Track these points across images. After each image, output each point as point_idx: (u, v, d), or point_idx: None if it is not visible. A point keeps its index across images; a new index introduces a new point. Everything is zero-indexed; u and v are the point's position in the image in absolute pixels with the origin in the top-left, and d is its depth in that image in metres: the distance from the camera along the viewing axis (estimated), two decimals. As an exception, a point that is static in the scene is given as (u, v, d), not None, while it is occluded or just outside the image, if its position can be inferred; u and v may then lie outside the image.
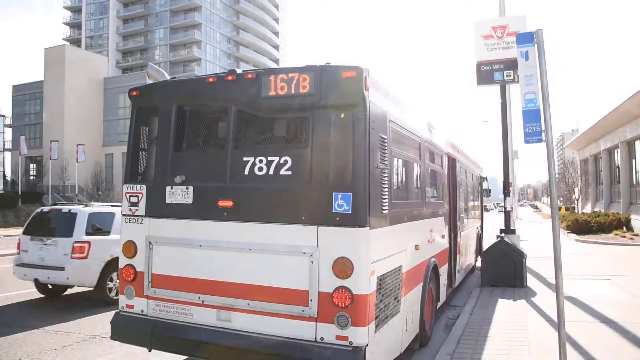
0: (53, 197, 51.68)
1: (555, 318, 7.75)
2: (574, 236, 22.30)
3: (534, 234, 26.99)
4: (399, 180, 6.17)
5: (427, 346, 6.95)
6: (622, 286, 10.57)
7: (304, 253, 4.72)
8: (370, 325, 4.65)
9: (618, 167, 28.54)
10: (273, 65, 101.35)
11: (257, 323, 4.91)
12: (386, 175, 5.13)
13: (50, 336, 7.56)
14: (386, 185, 5.12)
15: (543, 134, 4.51)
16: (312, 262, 4.69)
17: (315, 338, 4.64)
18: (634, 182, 26.38)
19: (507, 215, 13.09)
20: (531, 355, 6.08)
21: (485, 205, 53.19)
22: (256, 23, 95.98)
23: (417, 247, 6.52)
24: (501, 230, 12.73)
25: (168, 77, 6.10)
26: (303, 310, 4.69)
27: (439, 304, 8.18)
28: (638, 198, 25.45)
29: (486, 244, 13.04)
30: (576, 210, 38.97)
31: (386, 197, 5.12)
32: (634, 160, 26.34)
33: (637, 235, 21.71)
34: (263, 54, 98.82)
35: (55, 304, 9.90)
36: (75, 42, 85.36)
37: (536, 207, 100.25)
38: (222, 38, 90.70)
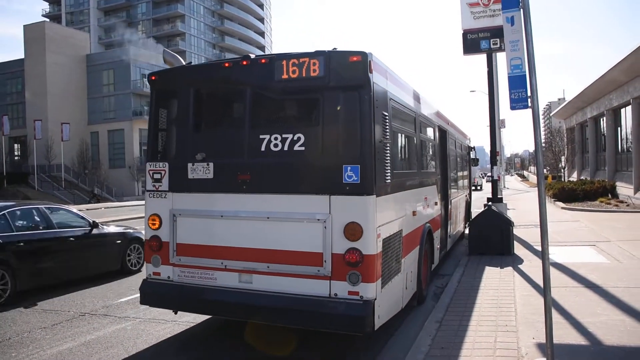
0: (39, 177, 51.17)
1: (541, 284, 7.89)
2: (561, 204, 22.53)
3: (521, 203, 27.26)
4: (398, 152, 6.70)
5: (424, 304, 7.55)
6: (606, 252, 10.72)
7: (318, 219, 5.27)
8: (377, 282, 5.23)
9: (604, 135, 28.70)
10: (259, 37, 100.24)
11: (276, 283, 5.45)
12: (388, 148, 5.69)
13: (39, 314, 7.54)
14: (388, 157, 5.67)
15: (529, 100, 4.49)
16: (325, 227, 5.24)
17: (330, 294, 5.20)
18: (619, 150, 26.58)
19: (495, 184, 13.16)
20: (518, 321, 6.16)
21: (475, 179, 53.22)
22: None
23: (414, 213, 7.14)
24: (489, 199, 12.82)
25: (183, 62, 6.51)
26: (318, 270, 5.26)
27: (433, 266, 8.84)
28: (623, 165, 25.67)
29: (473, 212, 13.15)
30: (563, 179, 39.29)
31: (388, 168, 5.69)
32: (619, 128, 26.49)
33: (621, 202, 21.98)
34: (248, 27, 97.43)
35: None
36: (55, 18, 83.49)
37: (523, 176, 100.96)
38: (206, 11, 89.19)
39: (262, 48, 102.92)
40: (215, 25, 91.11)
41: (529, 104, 4.51)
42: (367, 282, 5.09)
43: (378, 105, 5.39)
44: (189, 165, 5.91)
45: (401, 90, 6.68)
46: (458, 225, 12.91)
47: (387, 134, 5.69)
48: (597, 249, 11.10)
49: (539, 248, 11.25)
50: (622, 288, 7.54)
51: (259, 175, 5.59)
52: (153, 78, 6.38)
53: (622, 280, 8.05)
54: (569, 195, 23.72)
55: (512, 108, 4.64)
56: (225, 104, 6.31)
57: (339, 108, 5.26)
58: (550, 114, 60.52)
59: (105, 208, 39.06)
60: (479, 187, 50.04)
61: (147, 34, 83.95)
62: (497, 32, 11.56)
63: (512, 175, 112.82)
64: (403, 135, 6.89)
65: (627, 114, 24.22)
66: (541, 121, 4.82)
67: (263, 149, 5.55)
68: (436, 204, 9.14)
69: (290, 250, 5.40)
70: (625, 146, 25.50)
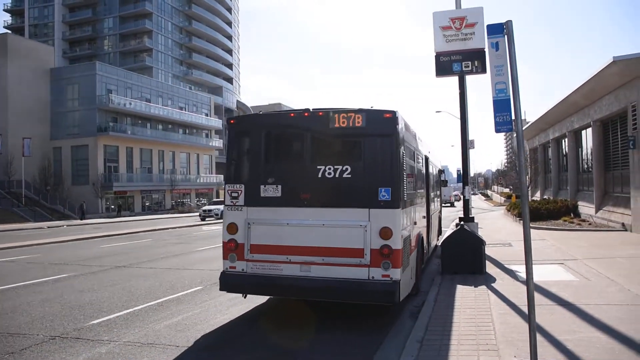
0: (-2, 193, 49.49)
1: (515, 302, 8.04)
2: (526, 223, 22.96)
3: (488, 221, 27.75)
4: (407, 177, 8.42)
5: (419, 294, 9.45)
6: (574, 270, 10.98)
7: (360, 225, 7.30)
8: (401, 269, 7.27)
9: (566, 155, 29.54)
10: (226, 55, 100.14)
11: (328, 271, 7.37)
12: (404, 175, 7.83)
13: (6, 339, 7.23)
14: (404, 182, 7.82)
15: (513, 123, 4.60)
16: (365, 230, 7.27)
17: (368, 277, 7.23)
18: (581, 170, 27.38)
19: (466, 203, 13.36)
20: (498, 340, 6.23)
21: (450, 197, 56.13)
22: (208, 13, 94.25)
23: (415, 223, 9.27)
24: (460, 219, 12.99)
25: (252, 111, 8.61)
26: (360, 261, 7.27)
27: (423, 266, 10.89)
28: (584, 185, 26.44)
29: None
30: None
31: (405, 189, 7.85)
32: (580, 149, 27.31)
33: (584, 220, 22.61)
34: (216, 44, 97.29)
35: (7, 303, 9.49)
36: (18, 30, 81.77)
37: (487, 196, 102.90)
38: (174, 28, 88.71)
39: (229, 65, 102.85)
40: (182, 42, 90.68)
41: (513, 127, 4.63)
42: (395, 268, 7.16)
43: (400, 147, 7.57)
44: (262, 186, 7.84)
45: (409, 133, 8.83)
46: (435, 236, 15.42)
47: (404, 165, 7.85)
48: (566, 267, 11.36)
49: (510, 267, 11.52)
50: (594, 305, 7.73)
51: (317, 195, 7.61)
52: (232, 122, 8.39)
53: (592, 298, 8.26)
54: (534, 214, 24.22)
55: (497, 131, 4.76)
56: (290, 143, 8.23)
57: (375, 149, 7.48)
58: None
59: (67, 226, 38.03)
60: (454, 205, 53.42)
61: (113, 49, 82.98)
62: (469, 55, 11.81)
63: (476, 194, 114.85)
64: (409, 165, 8.71)
65: (587, 135, 25.01)
66: (523, 142, 4.94)
67: (320, 176, 7.55)
68: (424, 217, 11.27)
69: (339, 247, 7.37)
70: (586, 166, 26.30)
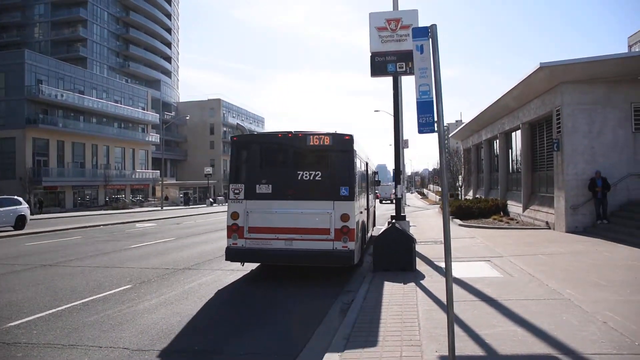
0: None
1: (442, 299, 8.26)
2: (458, 221, 23.76)
3: (421, 219, 28.45)
4: (357, 179, 11.40)
5: (362, 265, 12.47)
6: (499, 266, 11.44)
7: (328, 212, 10.41)
8: (354, 242, 10.46)
9: (497, 156, 30.70)
10: (165, 48, 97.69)
11: (305, 244, 10.46)
12: (357, 178, 11.10)
13: None
14: (356, 182, 10.98)
15: (436, 124, 4.72)
16: (331, 216, 10.39)
17: (333, 248, 10.37)
18: (510, 171, 28.56)
19: (398, 202, 13.63)
20: (421, 335, 6.39)
21: (391, 194, 61.01)
22: (146, 3, 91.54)
23: (361, 212, 12.16)
24: (392, 217, 13.24)
25: (247, 131, 12.86)
26: (327, 237, 10.36)
27: (365, 246, 13.94)
28: (513, 185, 27.59)
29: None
30: (460, 197, 41.52)
31: (356, 187, 10.93)
32: (510, 150, 28.46)
33: (512, 219, 23.61)
34: (154, 37, 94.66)
35: None
36: (-62, 13, 76.48)
37: (423, 194, 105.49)
38: (111, 18, 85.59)
39: (168, 59, 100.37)
40: (119, 32, 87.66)
41: (436, 128, 4.75)
42: (351, 241, 10.35)
43: (354, 159, 10.75)
44: (257, 185, 10.79)
45: (359, 147, 11.76)
46: (371, 224, 18.65)
47: (356, 171, 11.01)
48: (492, 264, 11.82)
49: (439, 264, 11.85)
50: (514, 300, 8.08)
51: (297, 191, 10.61)
52: (234, 139, 11.41)
53: (513, 294, 8.63)
54: (466, 213, 25.07)
55: (420, 132, 4.86)
56: (278, 155, 11.24)
57: (339, 160, 10.70)
58: (449, 135, 63.80)
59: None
60: (394, 201, 57.14)
61: (44, 37, 79.17)
62: (403, 56, 12.04)
63: (412, 193, 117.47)
64: (358, 170, 11.55)
65: (517, 137, 26.11)
66: (446, 143, 5.10)
67: (299, 178, 10.62)
68: (365, 209, 14.04)
69: (313, 228, 10.40)
70: (515, 167, 27.44)
